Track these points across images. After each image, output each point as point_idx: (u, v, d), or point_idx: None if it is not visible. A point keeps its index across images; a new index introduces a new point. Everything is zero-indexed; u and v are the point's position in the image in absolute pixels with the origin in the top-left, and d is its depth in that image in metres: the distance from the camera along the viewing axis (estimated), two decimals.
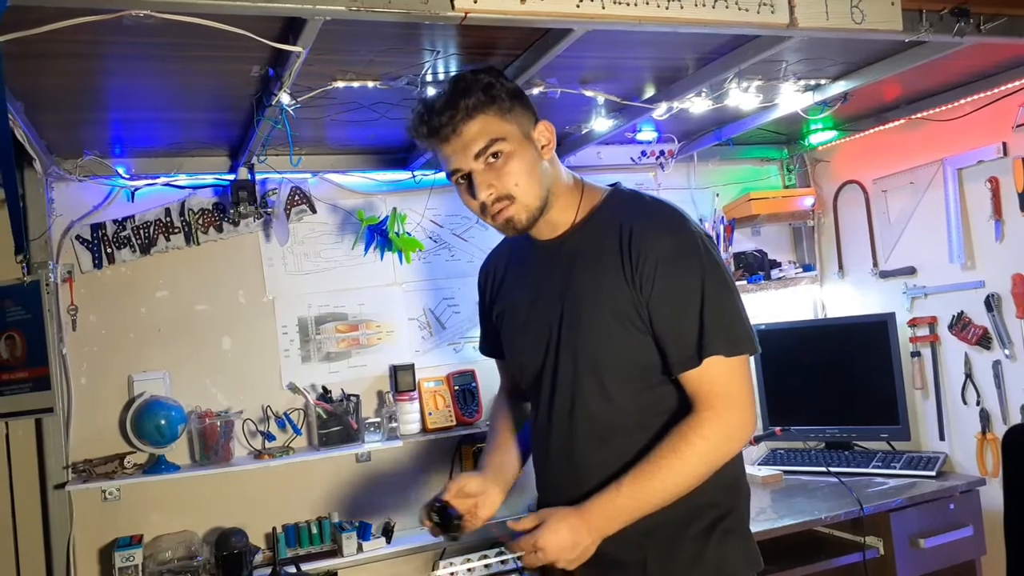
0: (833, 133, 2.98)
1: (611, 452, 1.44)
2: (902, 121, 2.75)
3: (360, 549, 2.40)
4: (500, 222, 1.44)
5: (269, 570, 2.30)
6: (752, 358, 1.43)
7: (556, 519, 1.37)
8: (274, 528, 2.39)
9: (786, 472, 2.82)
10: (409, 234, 2.61)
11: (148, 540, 2.30)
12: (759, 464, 2.93)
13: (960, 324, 2.67)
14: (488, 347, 1.74)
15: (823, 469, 2.73)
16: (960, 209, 2.65)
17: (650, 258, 1.37)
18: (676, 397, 1.44)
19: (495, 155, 1.38)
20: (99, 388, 2.35)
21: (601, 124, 2.42)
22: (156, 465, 2.29)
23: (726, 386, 1.38)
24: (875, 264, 2.97)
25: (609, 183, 1.56)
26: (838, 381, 2.93)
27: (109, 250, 2.38)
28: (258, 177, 2.40)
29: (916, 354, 2.82)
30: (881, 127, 2.82)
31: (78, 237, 2.36)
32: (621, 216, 1.44)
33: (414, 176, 2.65)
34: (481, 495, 1.53)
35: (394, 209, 2.59)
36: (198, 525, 2.39)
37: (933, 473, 2.61)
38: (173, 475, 2.28)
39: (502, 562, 2.51)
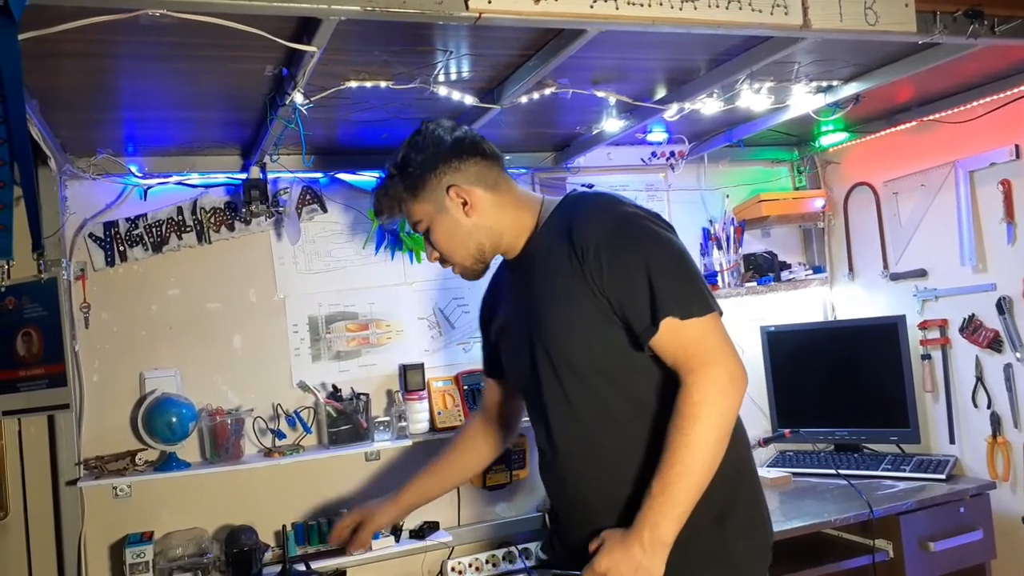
0: (844, 135, 2.98)
1: (625, 442, 1.47)
2: (914, 123, 2.74)
3: (369, 548, 2.40)
4: (456, 273, 1.68)
5: (279, 568, 2.30)
6: (721, 318, 1.46)
7: (606, 549, 1.41)
8: (284, 526, 2.40)
9: (795, 474, 2.82)
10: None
11: (159, 537, 2.30)
12: (768, 466, 2.93)
13: (971, 327, 2.66)
14: (487, 367, 1.88)
15: (832, 471, 2.73)
16: (972, 211, 2.64)
17: (591, 247, 1.43)
18: (666, 367, 1.46)
19: (420, 231, 1.62)
20: (111, 385, 2.36)
21: (612, 125, 2.42)
22: (167, 462, 2.30)
23: (697, 346, 1.41)
24: (885, 266, 2.96)
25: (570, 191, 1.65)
26: (848, 383, 2.92)
27: (121, 248, 2.39)
28: (270, 176, 2.40)
29: (926, 357, 2.81)
30: (893, 129, 2.81)
31: (91, 235, 2.37)
32: (564, 217, 1.53)
33: None
34: (367, 518, 1.93)
35: None
36: (208, 522, 2.39)
37: (943, 476, 2.60)
38: (184, 472, 2.29)
39: (509, 562, 2.53)
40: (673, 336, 1.40)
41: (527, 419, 2.46)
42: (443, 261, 1.65)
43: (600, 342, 1.46)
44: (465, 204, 1.56)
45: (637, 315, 1.42)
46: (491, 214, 1.58)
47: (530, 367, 1.56)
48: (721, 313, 1.45)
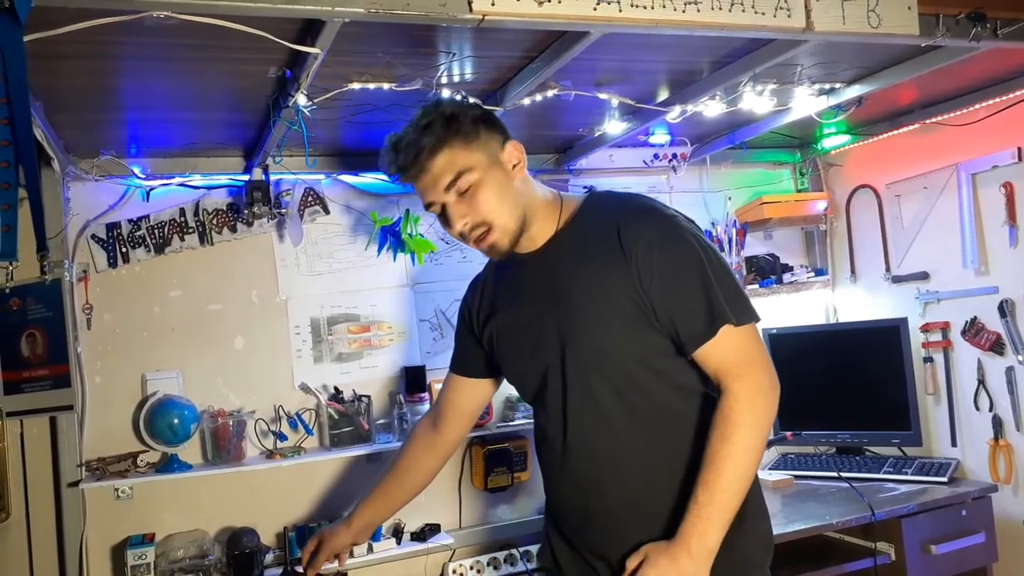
0: (846, 137, 2.97)
1: (651, 446, 1.46)
2: (916, 125, 2.74)
3: (370, 550, 2.40)
4: (484, 248, 1.49)
5: (280, 570, 2.30)
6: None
7: (650, 562, 1.37)
8: (285, 528, 2.40)
9: (797, 477, 2.81)
10: (422, 235, 2.62)
11: (160, 539, 2.30)
12: (770, 469, 2.93)
13: (973, 330, 2.66)
14: (460, 364, 1.79)
15: (834, 474, 2.72)
16: (974, 214, 2.64)
17: (643, 247, 1.41)
18: (696, 376, 1.46)
19: (465, 186, 1.42)
20: (113, 387, 2.36)
21: (614, 127, 2.42)
22: (168, 464, 2.30)
23: (745, 352, 1.42)
24: (888, 269, 2.96)
25: (584, 188, 1.60)
26: (850, 386, 2.92)
27: (124, 249, 2.39)
28: (272, 178, 2.41)
29: (928, 359, 2.81)
30: (895, 131, 2.81)
31: (93, 236, 2.37)
32: (606, 214, 1.48)
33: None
34: (323, 542, 1.84)
35: (407, 211, 2.59)
36: (210, 524, 2.39)
37: (945, 479, 2.59)
38: (185, 474, 2.29)
39: (511, 564, 2.52)
40: (727, 342, 1.40)
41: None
42: (476, 227, 1.45)
43: (636, 344, 1.44)
44: (516, 165, 1.47)
45: (688, 320, 1.40)
46: (528, 190, 1.50)
47: (550, 370, 1.51)
48: (760, 319, 1.47)
